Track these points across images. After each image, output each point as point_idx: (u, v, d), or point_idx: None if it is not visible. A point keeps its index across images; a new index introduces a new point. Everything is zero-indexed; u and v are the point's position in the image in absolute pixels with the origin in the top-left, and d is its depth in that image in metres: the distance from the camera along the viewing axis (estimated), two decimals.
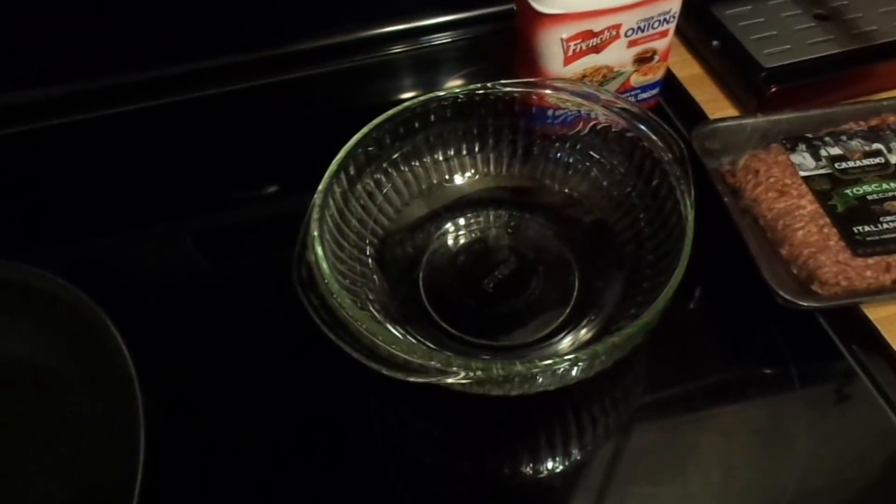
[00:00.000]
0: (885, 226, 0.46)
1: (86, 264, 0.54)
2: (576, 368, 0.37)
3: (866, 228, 0.46)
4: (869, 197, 0.48)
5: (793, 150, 0.51)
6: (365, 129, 0.47)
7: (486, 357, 0.44)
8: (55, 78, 0.63)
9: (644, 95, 0.58)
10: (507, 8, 0.67)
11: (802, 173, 0.50)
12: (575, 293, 0.47)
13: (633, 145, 0.47)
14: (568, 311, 0.47)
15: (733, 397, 0.44)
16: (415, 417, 0.45)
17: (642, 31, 0.52)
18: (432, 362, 0.36)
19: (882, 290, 0.44)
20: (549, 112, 0.51)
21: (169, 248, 0.55)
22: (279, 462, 0.42)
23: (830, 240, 0.46)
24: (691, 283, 0.48)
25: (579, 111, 0.50)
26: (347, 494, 0.41)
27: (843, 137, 0.52)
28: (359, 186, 0.48)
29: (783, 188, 0.49)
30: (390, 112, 0.48)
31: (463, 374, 0.36)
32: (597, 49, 0.52)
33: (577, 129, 0.51)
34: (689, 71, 0.63)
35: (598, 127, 0.49)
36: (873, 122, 0.53)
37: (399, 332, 0.43)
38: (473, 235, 0.52)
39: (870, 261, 0.45)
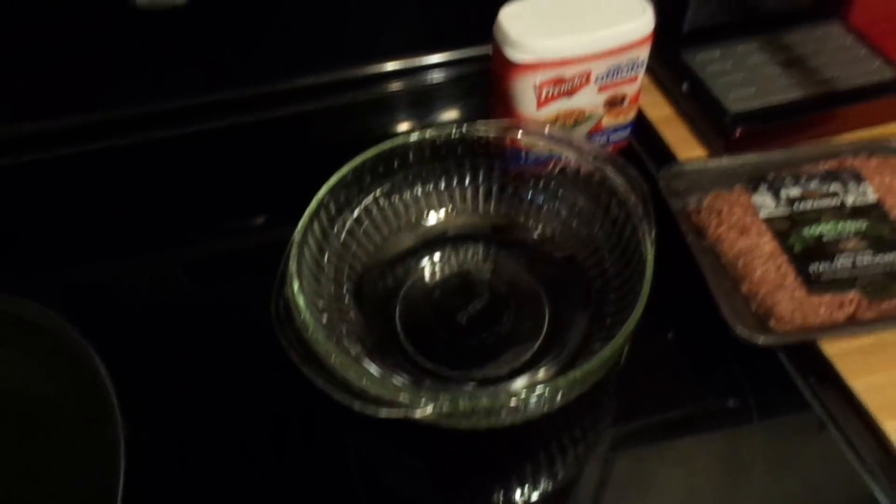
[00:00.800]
0: (839, 265, 0.48)
1: (72, 293, 0.56)
2: (539, 403, 0.39)
3: (821, 267, 0.48)
4: (825, 237, 0.50)
5: (754, 190, 0.53)
6: (345, 169, 0.50)
7: (457, 390, 0.46)
8: (48, 111, 0.66)
9: (616, 136, 0.61)
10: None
11: (763, 213, 0.52)
12: (545, 327, 0.49)
13: (601, 186, 0.50)
14: (538, 344, 0.49)
15: (696, 429, 0.46)
16: (390, 450, 0.47)
17: (612, 77, 0.55)
18: (401, 397, 0.38)
19: (835, 326, 0.46)
20: (523, 153, 0.54)
21: (156, 278, 0.57)
22: (256, 492, 0.44)
23: (787, 278, 0.48)
24: (657, 318, 0.50)
25: (550, 153, 0.52)
26: None
27: (803, 179, 0.54)
28: (338, 223, 0.50)
29: (744, 227, 0.51)
30: (370, 152, 0.51)
31: (431, 407, 0.38)
32: (569, 94, 0.55)
33: (549, 169, 0.53)
34: (660, 112, 0.66)
35: (568, 168, 0.52)
36: (831, 165, 0.55)
37: (374, 366, 0.45)
38: (449, 270, 0.54)
39: (824, 298, 0.47)
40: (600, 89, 0.55)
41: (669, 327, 0.51)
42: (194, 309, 0.55)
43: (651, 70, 0.69)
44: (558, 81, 0.53)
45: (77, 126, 0.66)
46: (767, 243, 0.50)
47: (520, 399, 0.38)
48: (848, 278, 0.48)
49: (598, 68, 0.54)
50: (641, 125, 0.64)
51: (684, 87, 0.64)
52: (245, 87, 0.69)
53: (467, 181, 0.55)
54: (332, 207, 0.49)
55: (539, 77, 0.53)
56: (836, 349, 0.47)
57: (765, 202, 0.53)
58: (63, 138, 0.66)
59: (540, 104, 0.55)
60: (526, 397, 0.38)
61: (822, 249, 0.49)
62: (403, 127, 0.70)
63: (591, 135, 0.59)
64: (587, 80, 0.54)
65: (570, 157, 0.52)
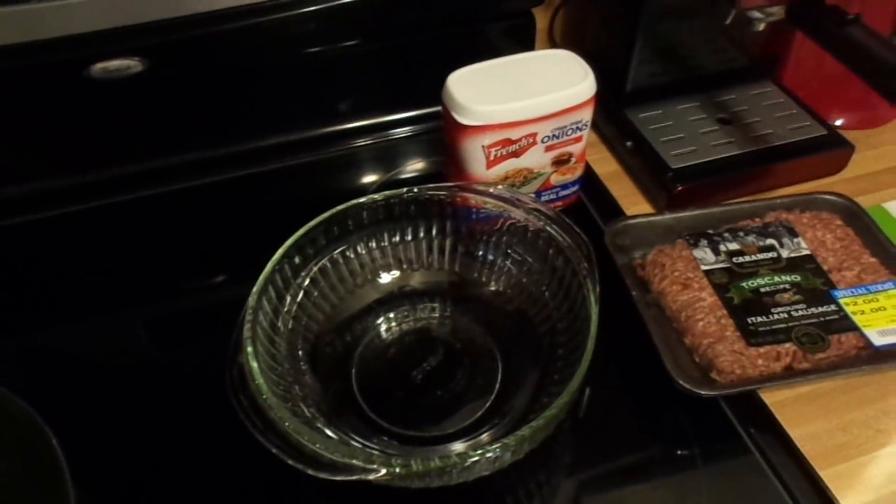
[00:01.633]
0: (776, 317, 0.51)
1: (18, 360, 0.56)
2: (489, 462, 0.40)
3: (759, 319, 0.51)
4: (762, 289, 0.53)
5: (695, 245, 0.56)
6: (299, 232, 0.51)
7: (410, 451, 0.46)
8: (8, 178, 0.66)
9: (564, 193, 0.63)
10: None
11: (704, 267, 0.54)
12: (498, 383, 0.51)
13: (547, 244, 0.52)
14: (491, 400, 0.50)
15: (644, 478, 0.47)
16: None
17: (557, 137, 0.57)
18: (355, 460, 0.39)
19: (773, 377, 0.48)
20: (473, 212, 0.55)
21: (109, 342, 0.57)
22: None
23: (727, 330, 0.50)
24: (609, 370, 0.52)
25: (500, 211, 0.54)
26: None
27: (741, 233, 0.57)
28: (293, 287, 0.51)
29: (686, 281, 0.53)
30: (324, 215, 0.52)
31: (384, 470, 0.38)
32: (516, 154, 0.57)
33: (498, 227, 0.55)
34: (607, 168, 0.69)
35: (517, 226, 0.54)
36: (767, 219, 0.58)
37: (329, 429, 0.45)
38: (405, 328, 0.55)
39: (762, 350, 0.49)
40: (547, 149, 0.58)
41: (620, 380, 0.53)
42: (149, 373, 0.55)
43: (598, 128, 0.72)
44: (506, 143, 0.56)
45: (47, 190, 0.67)
46: (708, 297, 0.52)
47: (470, 460, 0.39)
48: (784, 329, 0.50)
49: (543, 130, 0.56)
50: (590, 181, 0.67)
51: (628, 144, 0.67)
52: (204, 150, 0.70)
53: (421, 240, 0.57)
54: (288, 270, 0.50)
55: (487, 139, 0.55)
56: (774, 399, 0.49)
57: (705, 256, 0.55)
58: (24, 204, 0.66)
59: (489, 164, 0.57)
60: (476, 458, 0.39)
61: (760, 302, 0.52)
62: (370, 180, 0.71)
63: (540, 192, 0.61)
64: (534, 140, 0.56)
65: (517, 215, 0.53)
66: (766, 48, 0.71)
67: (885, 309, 0.51)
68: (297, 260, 0.51)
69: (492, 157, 0.56)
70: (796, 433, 0.47)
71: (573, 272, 0.49)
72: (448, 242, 0.57)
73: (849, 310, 0.51)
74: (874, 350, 0.49)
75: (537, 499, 0.47)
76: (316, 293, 0.53)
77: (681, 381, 0.47)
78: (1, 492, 0.44)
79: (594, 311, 0.45)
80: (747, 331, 0.50)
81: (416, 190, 0.54)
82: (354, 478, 0.39)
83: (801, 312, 0.51)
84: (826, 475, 0.45)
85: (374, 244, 0.56)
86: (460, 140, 0.56)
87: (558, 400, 0.40)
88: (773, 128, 0.67)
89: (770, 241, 0.56)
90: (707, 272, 0.54)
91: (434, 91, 0.56)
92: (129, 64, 0.57)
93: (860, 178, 0.66)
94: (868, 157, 0.68)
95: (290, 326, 0.50)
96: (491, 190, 0.54)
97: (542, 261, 0.52)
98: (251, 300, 0.46)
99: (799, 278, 0.53)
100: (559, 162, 0.60)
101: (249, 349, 0.43)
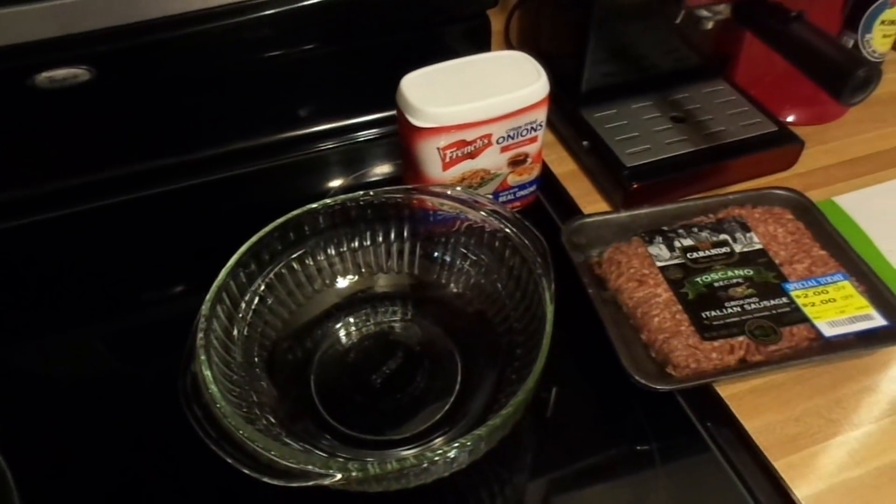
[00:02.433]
0: (729, 310, 0.51)
1: None
2: (446, 463, 0.40)
3: (713, 313, 0.51)
4: (716, 284, 0.53)
5: (650, 242, 0.56)
6: (253, 239, 0.50)
7: (367, 456, 0.46)
8: None
9: (522, 193, 0.63)
10: None
11: (659, 263, 0.55)
12: (458, 385, 0.51)
13: (504, 244, 0.52)
14: (451, 402, 0.50)
15: (604, 475, 0.47)
16: None
17: (512, 138, 0.58)
18: (310, 466, 0.38)
19: (727, 370, 0.49)
20: (430, 214, 0.55)
21: (63, 356, 0.56)
22: None
23: (682, 325, 0.51)
24: (568, 368, 0.53)
25: (457, 213, 0.54)
26: None
27: (695, 229, 0.58)
28: (249, 293, 0.50)
29: (642, 278, 0.54)
30: (279, 221, 0.52)
31: (339, 476, 0.38)
32: (472, 155, 0.57)
33: (455, 229, 0.55)
34: (565, 168, 0.69)
35: (474, 228, 0.54)
36: (720, 215, 0.59)
37: (287, 436, 0.45)
38: (364, 332, 0.55)
39: (716, 343, 0.49)
40: (502, 150, 0.58)
41: (580, 378, 0.53)
42: (104, 388, 0.54)
43: (555, 128, 0.73)
44: (461, 144, 0.56)
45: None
46: (663, 292, 0.53)
47: (426, 462, 0.39)
48: (737, 322, 0.51)
49: (498, 131, 0.56)
50: (548, 181, 0.67)
51: (585, 144, 0.67)
52: (161, 158, 0.69)
53: (380, 243, 0.56)
54: (243, 277, 0.50)
55: (442, 140, 0.55)
56: (730, 392, 0.50)
57: (660, 253, 0.56)
58: None
59: (445, 166, 0.57)
60: (432, 459, 0.39)
61: (714, 296, 0.52)
62: (331, 184, 0.71)
63: (497, 192, 0.62)
64: (489, 142, 0.57)
65: (474, 216, 0.53)
66: (717, 47, 0.72)
67: (834, 300, 0.52)
68: (252, 266, 0.50)
69: (447, 159, 0.56)
70: (751, 425, 0.48)
71: (529, 271, 0.49)
72: (407, 245, 0.57)
73: (800, 302, 0.52)
74: (825, 341, 0.50)
75: (499, 499, 0.47)
76: (272, 299, 0.52)
77: (636, 377, 0.47)
78: None
79: (549, 309, 0.45)
80: (702, 325, 0.50)
81: (371, 193, 0.54)
82: (310, 483, 0.38)
83: (753, 306, 0.52)
84: (780, 465, 0.46)
85: (331, 249, 0.55)
86: (415, 142, 0.55)
87: (514, 399, 0.40)
88: (725, 125, 0.68)
89: (723, 236, 0.57)
90: (662, 268, 0.55)
91: (392, 94, 0.56)
92: (75, 73, 0.56)
93: (811, 172, 0.68)
94: (819, 153, 0.70)
95: (245, 333, 0.49)
96: (448, 192, 0.54)
97: (498, 261, 0.52)
98: (204, 308, 0.45)
99: (751, 272, 0.54)
100: (515, 162, 0.60)
101: (202, 357, 0.42)
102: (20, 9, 0.52)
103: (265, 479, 0.39)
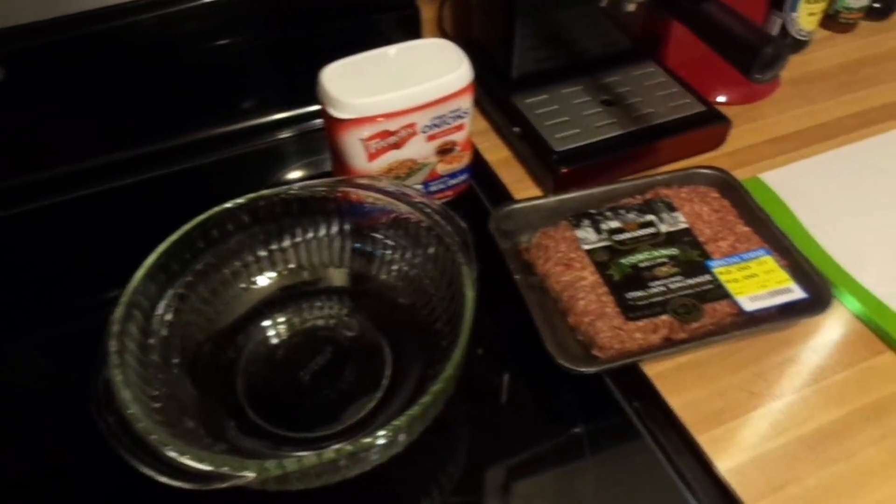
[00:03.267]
0: (654, 290, 0.52)
1: None
2: (367, 457, 0.40)
3: (638, 294, 0.52)
4: (641, 265, 0.54)
5: (577, 225, 0.57)
6: (172, 237, 0.49)
7: (299, 450, 0.46)
8: None
9: (453, 182, 0.63)
10: None
11: (585, 247, 0.55)
12: (387, 378, 0.50)
13: (428, 234, 0.51)
14: (380, 395, 0.49)
15: (534, 459, 0.47)
16: None
17: (437, 126, 0.57)
18: (225, 468, 0.38)
19: (650, 348, 0.49)
20: (357, 206, 0.55)
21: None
22: None
23: (607, 307, 0.51)
24: (498, 356, 0.52)
25: (384, 205, 0.54)
26: None
27: (622, 211, 0.58)
28: (168, 294, 0.49)
29: (569, 262, 0.54)
30: (199, 218, 0.51)
31: (253, 475, 0.37)
32: (397, 146, 0.56)
33: (384, 221, 0.54)
34: (498, 155, 0.69)
35: (400, 219, 0.53)
36: (647, 196, 0.59)
37: (208, 438, 0.44)
38: (294, 329, 0.54)
39: (640, 323, 0.50)
40: (428, 139, 0.58)
41: (511, 364, 0.53)
42: (16, 401, 0.52)
43: (487, 115, 0.73)
44: (384, 134, 0.55)
45: None
46: (590, 275, 0.53)
47: (346, 453, 0.38)
48: (661, 302, 0.51)
49: (422, 119, 0.56)
50: (481, 168, 0.67)
51: (516, 130, 0.67)
52: (82, 160, 0.68)
53: (311, 239, 0.56)
54: (162, 278, 0.49)
55: (364, 131, 0.54)
56: (656, 371, 0.50)
57: (587, 236, 0.56)
58: None
59: (370, 157, 0.56)
60: (354, 452, 0.38)
61: (639, 277, 0.53)
62: (265, 179, 0.70)
63: (428, 182, 0.61)
64: (413, 131, 0.56)
65: (400, 207, 0.53)
66: (646, 29, 0.72)
67: (756, 276, 0.52)
68: (174, 267, 0.49)
69: (372, 150, 0.56)
70: (676, 402, 0.48)
71: (452, 261, 0.49)
72: (336, 240, 0.56)
73: (722, 279, 0.52)
74: (746, 316, 0.51)
75: (434, 490, 0.47)
76: (195, 300, 0.51)
77: (560, 361, 0.47)
78: None
79: (469, 296, 0.45)
80: (626, 306, 0.51)
81: (296, 188, 0.53)
82: (226, 485, 0.38)
83: (678, 284, 0.52)
84: (703, 440, 0.46)
85: (257, 246, 0.55)
86: (338, 134, 0.55)
87: (433, 387, 0.40)
88: (654, 107, 0.68)
89: (649, 217, 0.57)
90: (589, 251, 0.55)
91: None
92: None
93: (739, 151, 0.69)
94: (747, 131, 0.71)
95: (165, 335, 0.48)
96: (373, 184, 0.53)
97: (422, 251, 0.52)
98: (117, 312, 0.44)
99: (677, 251, 0.55)
100: (443, 151, 0.60)
101: (115, 361, 0.42)
102: None
103: (185, 486, 0.38)
